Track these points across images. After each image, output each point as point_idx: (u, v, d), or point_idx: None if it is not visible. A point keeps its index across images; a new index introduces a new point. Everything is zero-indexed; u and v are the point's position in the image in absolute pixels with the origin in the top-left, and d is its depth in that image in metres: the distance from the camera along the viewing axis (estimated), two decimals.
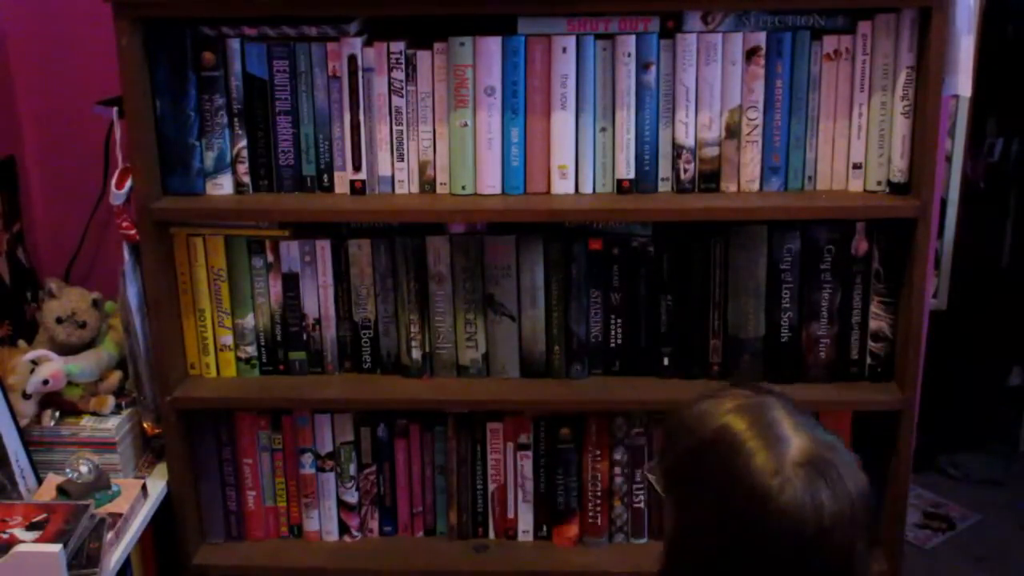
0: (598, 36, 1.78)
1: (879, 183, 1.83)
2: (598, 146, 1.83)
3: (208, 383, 1.98)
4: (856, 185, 1.84)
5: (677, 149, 1.83)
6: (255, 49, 1.82)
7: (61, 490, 1.82)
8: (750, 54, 1.78)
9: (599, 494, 2.01)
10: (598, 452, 1.99)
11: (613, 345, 1.94)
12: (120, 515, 1.81)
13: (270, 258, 1.93)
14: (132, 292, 1.92)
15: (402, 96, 1.82)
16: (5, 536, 1.64)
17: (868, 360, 1.92)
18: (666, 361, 1.94)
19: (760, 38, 1.78)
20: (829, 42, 1.78)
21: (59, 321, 1.96)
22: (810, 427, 1.20)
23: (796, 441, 1.16)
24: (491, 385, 1.95)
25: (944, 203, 2.97)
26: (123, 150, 1.85)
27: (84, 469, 1.85)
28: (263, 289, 1.95)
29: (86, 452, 1.90)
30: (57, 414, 1.95)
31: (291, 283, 1.94)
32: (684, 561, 1.24)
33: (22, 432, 1.87)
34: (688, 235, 1.88)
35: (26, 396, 1.89)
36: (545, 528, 2.05)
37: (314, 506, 2.05)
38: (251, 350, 1.98)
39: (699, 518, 1.20)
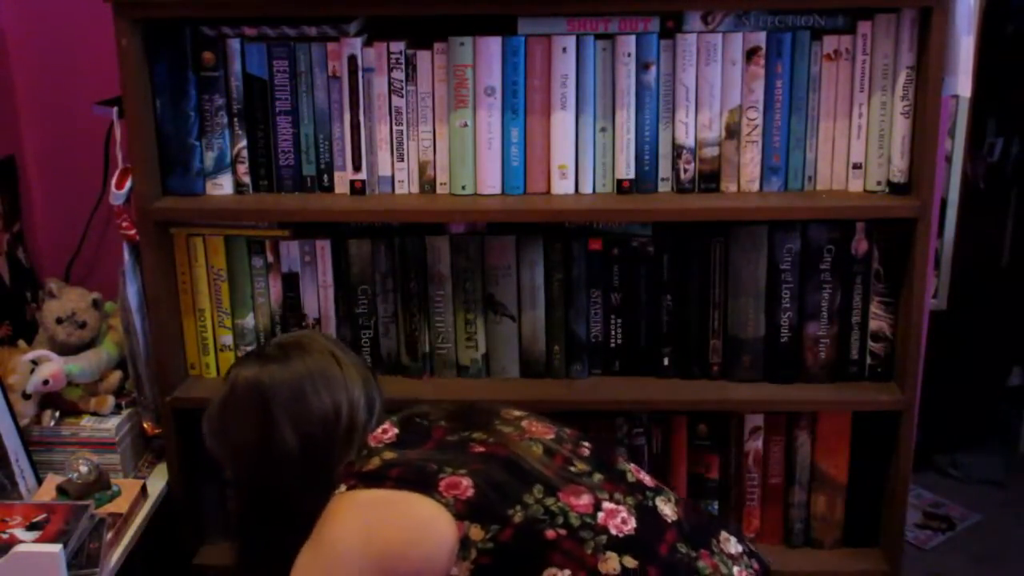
0: (598, 36, 1.78)
1: (879, 183, 1.83)
2: (598, 146, 1.84)
3: (208, 383, 1.98)
4: (856, 185, 1.84)
5: (677, 149, 1.83)
6: (255, 49, 1.82)
7: (61, 490, 1.82)
8: (750, 54, 1.78)
9: None
10: None
11: (613, 345, 1.94)
12: (120, 515, 1.81)
13: (270, 258, 1.93)
14: (132, 292, 1.92)
15: (402, 96, 1.82)
16: (5, 536, 1.64)
17: (868, 360, 1.91)
18: (666, 361, 1.94)
19: (760, 38, 1.78)
20: (829, 42, 1.79)
21: (59, 321, 1.96)
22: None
23: (270, 342, 1.64)
24: (491, 385, 1.95)
25: (944, 203, 2.96)
26: (123, 150, 1.85)
27: (84, 469, 1.85)
28: (263, 289, 1.95)
29: (86, 452, 1.90)
30: (57, 414, 1.95)
31: (291, 283, 1.94)
32: (256, 500, 1.56)
33: (22, 432, 1.87)
34: (688, 235, 1.88)
35: (26, 396, 1.89)
36: None
37: None
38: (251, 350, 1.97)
39: (248, 452, 1.52)
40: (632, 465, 1.53)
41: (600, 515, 1.39)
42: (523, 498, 1.39)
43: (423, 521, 1.37)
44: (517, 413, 1.56)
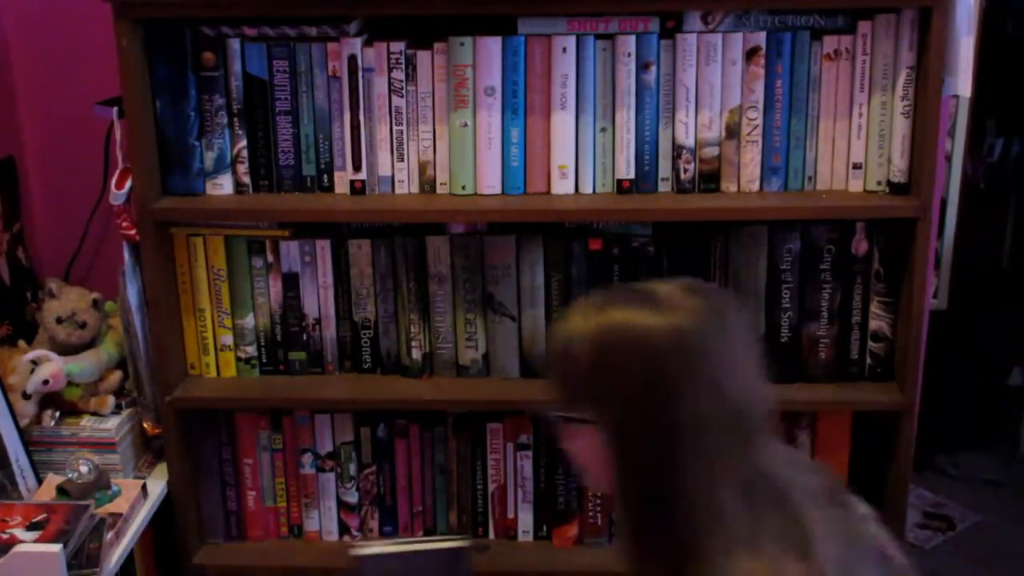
0: (598, 36, 1.78)
1: (879, 183, 1.83)
2: (598, 146, 1.83)
3: (208, 383, 1.98)
4: (856, 185, 1.84)
5: (677, 149, 1.83)
6: (255, 49, 1.82)
7: (61, 490, 1.82)
8: (750, 54, 1.78)
9: (599, 494, 2.01)
10: None
11: None
12: (120, 515, 1.81)
13: (270, 258, 1.93)
14: (132, 292, 1.92)
15: (402, 96, 1.82)
16: (5, 536, 1.64)
17: (868, 360, 1.92)
18: None
19: (760, 38, 1.78)
20: (829, 42, 1.78)
21: (59, 321, 1.96)
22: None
23: (663, 286, 1.21)
24: (491, 385, 1.95)
25: (944, 203, 2.96)
26: (123, 150, 1.85)
27: (84, 469, 1.85)
28: (263, 289, 1.95)
29: (86, 452, 1.90)
30: (57, 414, 1.95)
31: (291, 283, 1.94)
32: (632, 473, 1.21)
33: (22, 432, 1.87)
34: (688, 235, 1.88)
35: (26, 396, 1.89)
36: (545, 528, 2.05)
37: (314, 506, 2.05)
38: (251, 350, 1.98)
39: (625, 410, 1.19)
40: None
41: None
42: None
43: None
44: (863, 510, 1.32)
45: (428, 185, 1.86)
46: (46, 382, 1.89)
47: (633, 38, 1.77)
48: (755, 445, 1.20)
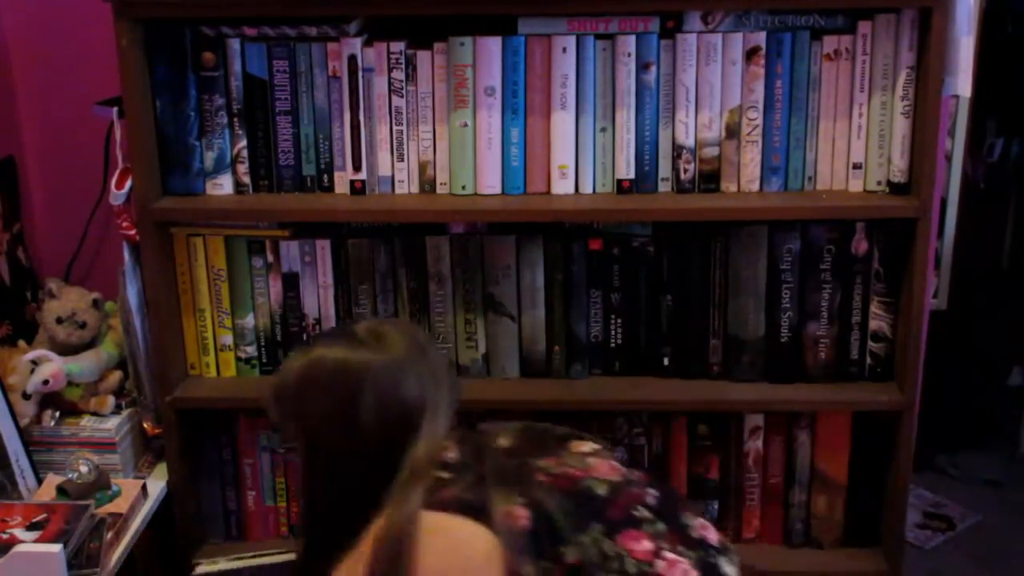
0: (598, 36, 1.78)
1: (879, 183, 1.83)
2: (598, 146, 1.84)
3: (208, 383, 1.98)
4: (856, 185, 1.84)
5: (677, 149, 1.83)
6: (255, 49, 1.82)
7: (61, 490, 1.82)
8: (750, 54, 1.78)
9: None
10: None
11: (613, 345, 1.94)
12: (120, 515, 1.81)
13: (270, 258, 1.93)
14: (132, 292, 1.92)
15: (402, 96, 1.82)
16: (5, 536, 1.64)
17: (868, 360, 1.92)
18: (666, 361, 1.94)
19: (760, 38, 1.78)
20: (829, 42, 1.79)
21: (59, 321, 1.96)
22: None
23: (361, 325, 1.43)
24: (491, 385, 1.95)
25: (944, 203, 2.96)
26: (123, 150, 1.86)
27: (84, 469, 1.85)
28: (263, 289, 1.95)
29: (86, 452, 1.90)
30: (57, 414, 1.95)
31: (291, 283, 1.94)
32: (325, 487, 1.39)
33: (22, 432, 1.87)
34: (688, 235, 1.88)
35: (26, 396, 1.89)
36: None
37: None
38: (251, 350, 1.98)
39: (321, 427, 1.38)
40: (699, 520, 1.41)
41: (660, 564, 1.30)
42: (579, 537, 1.28)
43: (478, 555, 1.25)
44: (586, 448, 1.45)
45: (428, 185, 1.86)
46: (46, 382, 1.89)
47: (633, 38, 1.78)
48: (436, 441, 1.36)
